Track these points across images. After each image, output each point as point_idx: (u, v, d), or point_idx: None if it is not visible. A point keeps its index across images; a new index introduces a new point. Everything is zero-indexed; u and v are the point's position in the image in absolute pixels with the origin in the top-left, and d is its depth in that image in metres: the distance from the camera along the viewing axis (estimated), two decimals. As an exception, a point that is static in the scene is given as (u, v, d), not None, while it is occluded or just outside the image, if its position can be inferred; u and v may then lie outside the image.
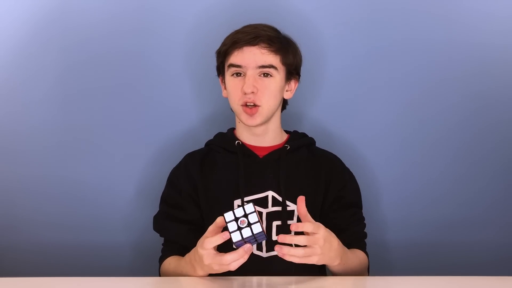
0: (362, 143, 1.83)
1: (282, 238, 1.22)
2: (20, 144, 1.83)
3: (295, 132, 1.66)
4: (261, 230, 1.19)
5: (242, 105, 1.51)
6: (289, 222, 1.25)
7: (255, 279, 1.33)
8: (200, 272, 1.33)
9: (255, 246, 1.44)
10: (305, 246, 1.25)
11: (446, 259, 1.85)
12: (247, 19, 1.58)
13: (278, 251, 1.23)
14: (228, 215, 1.21)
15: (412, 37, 1.81)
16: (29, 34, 1.82)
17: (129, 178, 1.83)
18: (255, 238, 1.21)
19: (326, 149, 1.66)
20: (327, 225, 1.51)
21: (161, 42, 1.82)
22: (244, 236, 1.19)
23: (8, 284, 1.34)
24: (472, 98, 1.83)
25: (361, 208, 1.61)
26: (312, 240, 1.24)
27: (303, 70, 1.62)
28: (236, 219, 1.20)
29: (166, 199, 1.58)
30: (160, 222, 1.57)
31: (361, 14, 1.82)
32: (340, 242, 1.36)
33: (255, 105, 1.50)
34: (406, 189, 1.85)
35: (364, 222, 1.59)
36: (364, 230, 1.59)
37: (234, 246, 1.23)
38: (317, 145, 1.66)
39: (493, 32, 1.81)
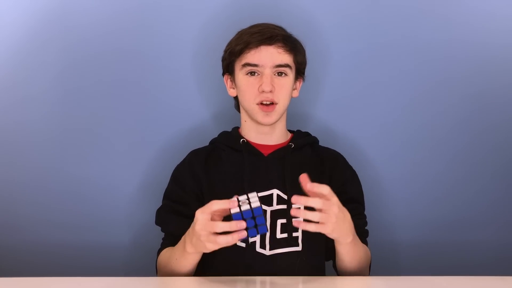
0: (365, 143, 1.84)
1: (296, 198, 1.19)
2: (21, 143, 1.83)
3: (299, 131, 1.66)
4: (259, 205, 1.19)
5: (258, 104, 1.52)
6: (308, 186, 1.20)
7: (258, 279, 1.33)
8: (189, 248, 1.30)
9: (258, 241, 1.43)
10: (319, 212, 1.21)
11: (446, 258, 1.85)
12: (253, 19, 1.58)
13: (293, 213, 1.19)
14: (232, 199, 1.23)
15: (414, 37, 1.82)
16: (30, 31, 1.81)
17: (133, 177, 1.83)
18: (253, 217, 1.20)
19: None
20: None
21: (165, 40, 1.82)
22: (242, 209, 1.20)
23: (8, 284, 1.33)
24: (473, 98, 1.84)
25: (362, 205, 1.61)
26: (327, 204, 1.21)
27: (307, 70, 1.62)
28: (238, 201, 1.22)
29: (170, 195, 1.57)
30: (163, 215, 1.56)
31: (364, 14, 1.83)
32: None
33: (272, 103, 1.51)
34: (408, 189, 1.85)
35: (366, 220, 1.59)
36: (366, 228, 1.58)
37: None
38: (321, 144, 1.66)
39: (494, 31, 1.82)
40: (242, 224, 1.19)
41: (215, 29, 1.79)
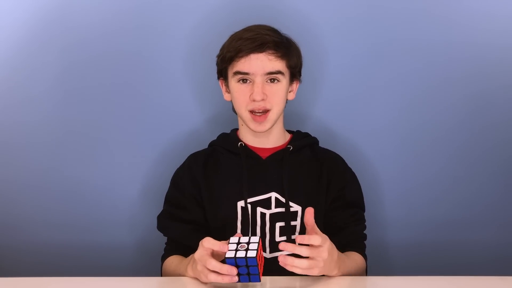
0: (364, 142, 1.84)
1: (284, 245, 1.18)
2: (22, 143, 1.83)
3: (298, 132, 1.66)
4: (254, 256, 1.17)
5: (250, 111, 1.50)
6: (293, 237, 1.18)
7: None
8: (190, 272, 1.31)
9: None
10: (307, 257, 1.21)
11: (445, 258, 1.86)
12: (248, 19, 1.58)
13: (281, 260, 1.18)
14: (234, 238, 1.22)
15: (412, 37, 1.82)
16: (30, 32, 1.81)
17: (133, 179, 1.84)
18: (247, 265, 1.18)
19: (329, 149, 1.66)
20: (327, 223, 1.52)
21: (163, 43, 1.82)
22: (237, 255, 1.18)
23: (8, 284, 1.34)
24: (471, 98, 1.84)
25: (362, 209, 1.61)
26: (316, 252, 1.20)
27: (304, 70, 1.62)
28: (238, 243, 1.21)
29: (170, 199, 1.58)
30: (163, 222, 1.57)
31: (362, 14, 1.82)
32: (340, 253, 1.34)
33: (264, 111, 1.50)
34: (407, 188, 1.85)
35: (365, 224, 1.59)
36: (364, 232, 1.59)
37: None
38: (320, 144, 1.66)
39: (493, 32, 1.82)
40: (233, 270, 1.18)
41: (212, 31, 1.78)
